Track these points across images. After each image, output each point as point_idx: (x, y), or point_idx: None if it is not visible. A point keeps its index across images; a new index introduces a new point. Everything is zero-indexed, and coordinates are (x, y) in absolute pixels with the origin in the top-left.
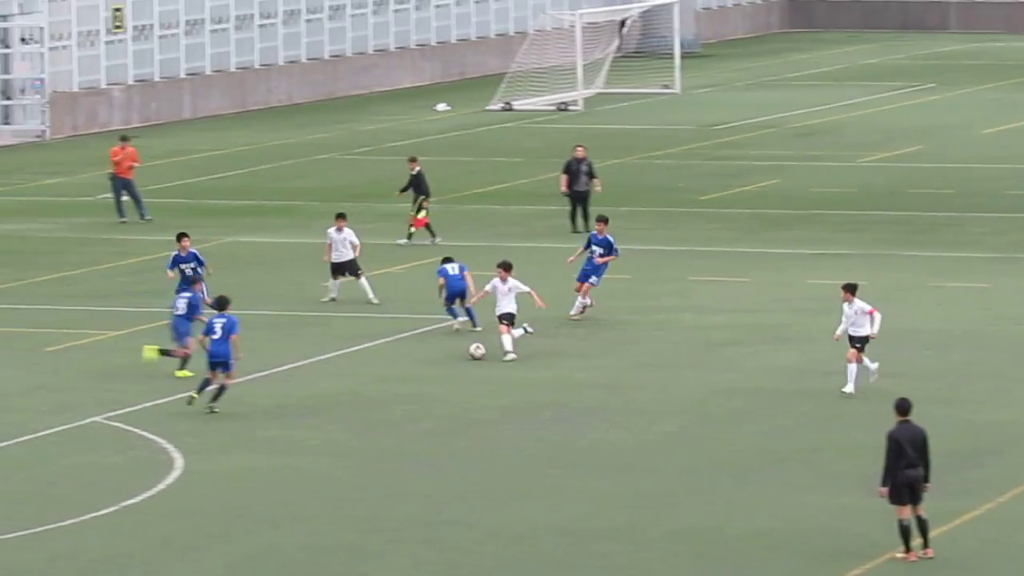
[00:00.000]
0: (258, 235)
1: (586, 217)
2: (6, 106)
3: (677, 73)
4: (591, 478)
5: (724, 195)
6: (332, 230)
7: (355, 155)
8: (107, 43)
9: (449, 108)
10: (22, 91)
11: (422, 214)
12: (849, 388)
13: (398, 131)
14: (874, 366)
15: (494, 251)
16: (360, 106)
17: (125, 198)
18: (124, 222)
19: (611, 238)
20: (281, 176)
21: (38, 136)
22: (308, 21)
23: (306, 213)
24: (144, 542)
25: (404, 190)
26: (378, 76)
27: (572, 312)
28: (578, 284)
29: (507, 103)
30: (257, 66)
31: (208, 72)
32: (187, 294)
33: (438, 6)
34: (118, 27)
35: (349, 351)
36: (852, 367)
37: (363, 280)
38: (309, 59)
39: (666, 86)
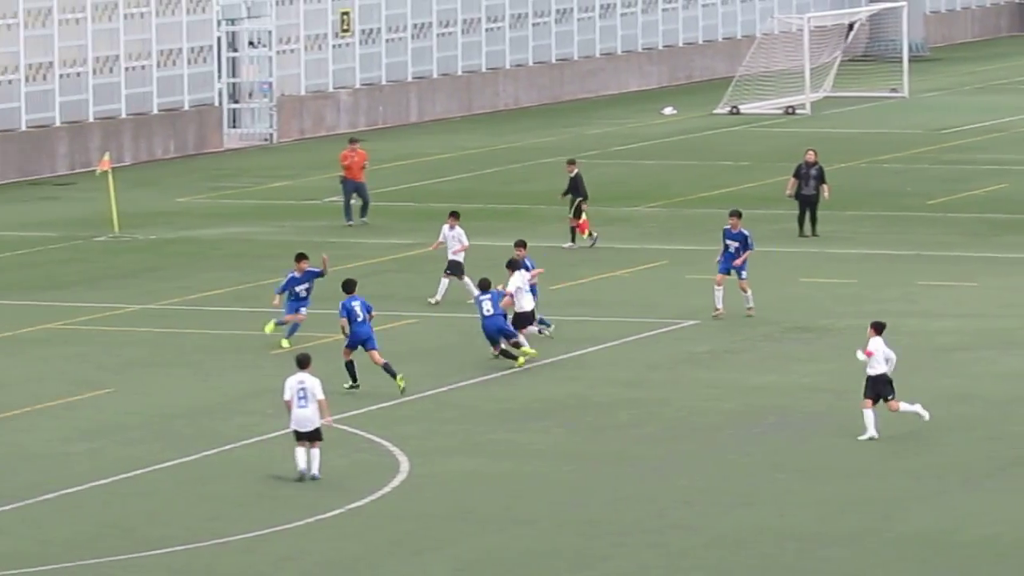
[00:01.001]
0: (484, 238)
1: (814, 222)
2: (234, 109)
3: (905, 77)
4: (817, 483)
5: (952, 199)
6: (445, 227)
7: (581, 159)
8: (334, 47)
9: (675, 112)
10: (250, 95)
11: (583, 216)
12: None
13: (624, 135)
14: None
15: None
16: (586, 110)
17: (354, 201)
18: (351, 225)
19: (746, 232)
20: (507, 179)
21: (265, 140)
22: (535, 25)
23: (532, 217)
24: (369, 545)
25: (565, 193)
26: (604, 80)
27: (747, 307)
28: (718, 277)
29: (734, 107)
30: (484, 70)
31: (435, 76)
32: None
33: (665, 10)
34: (345, 31)
35: (575, 355)
36: None
37: (444, 281)
38: (536, 63)
39: (894, 90)
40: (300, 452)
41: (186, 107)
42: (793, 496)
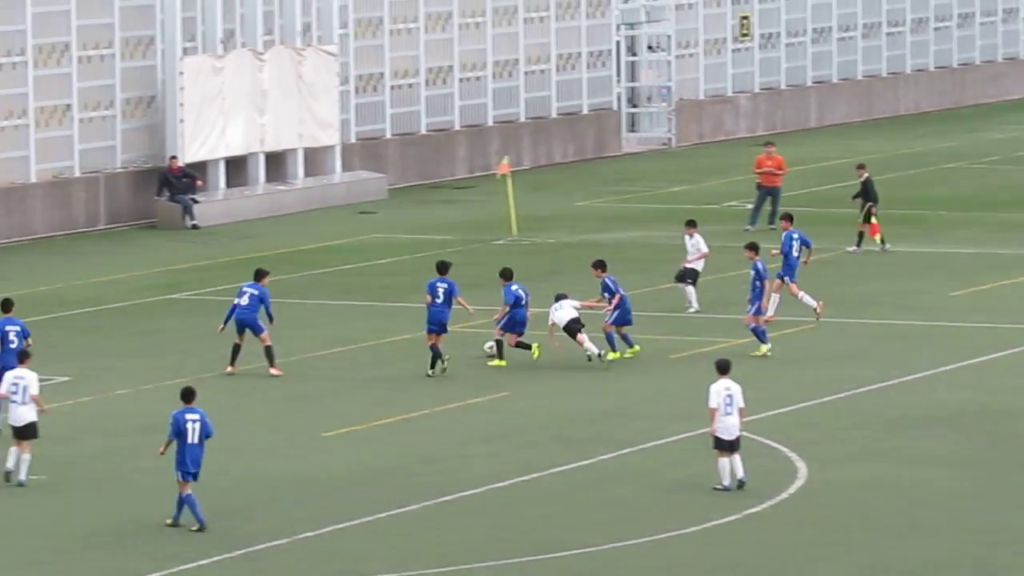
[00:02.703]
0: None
1: None
2: (633, 113)
3: None
4: None
5: None
6: (686, 236)
7: (984, 164)
8: (734, 51)
9: None
10: (649, 99)
11: (872, 220)
12: None
13: None
14: None
15: None
16: (988, 115)
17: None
18: (749, 230)
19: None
20: (908, 185)
21: (664, 144)
22: (936, 29)
23: (934, 223)
24: (767, 551)
25: (856, 197)
26: (1007, 85)
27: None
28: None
29: None
30: (884, 74)
31: (834, 80)
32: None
33: None
34: (745, 35)
35: (975, 361)
36: None
37: (690, 289)
38: (937, 67)
39: None
40: (724, 461)
41: (585, 111)
42: None
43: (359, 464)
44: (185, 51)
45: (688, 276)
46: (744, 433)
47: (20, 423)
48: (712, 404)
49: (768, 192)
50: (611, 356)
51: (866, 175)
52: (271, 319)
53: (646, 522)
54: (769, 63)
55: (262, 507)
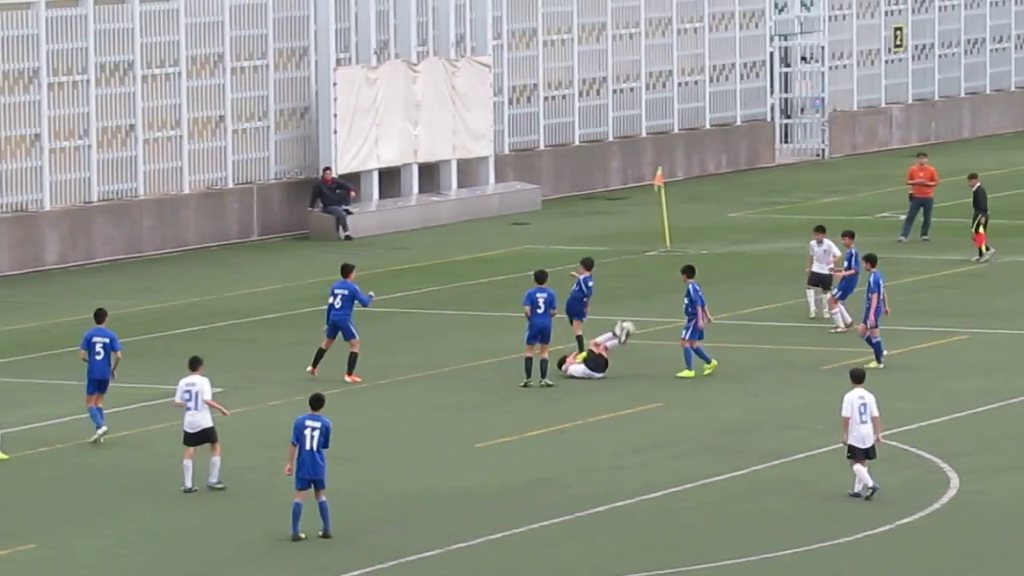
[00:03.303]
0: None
1: None
2: (787, 124)
3: None
4: None
5: None
6: (813, 242)
7: None
8: (887, 62)
9: None
10: (802, 110)
11: (981, 230)
12: None
13: None
14: None
15: None
16: None
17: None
18: (901, 241)
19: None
20: None
21: (817, 155)
22: None
23: None
24: (920, 562)
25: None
26: None
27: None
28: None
29: None
30: None
31: (988, 91)
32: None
33: None
34: (898, 46)
35: None
36: None
37: (810, 293)
38: None
39: None
40: (860, 468)
41: (738, 122)
42: None
43: (511, 475)
44: (339, 62)
45: (817, 281)
46: (896, 444)
47: (195, 429)
48: (845, 413)
49: (921, 203)
50: (684, 374)
51: (978, 184)
52: (364, 305)
53: (797, 533)
54: (922, 74)
55: (414, 519)
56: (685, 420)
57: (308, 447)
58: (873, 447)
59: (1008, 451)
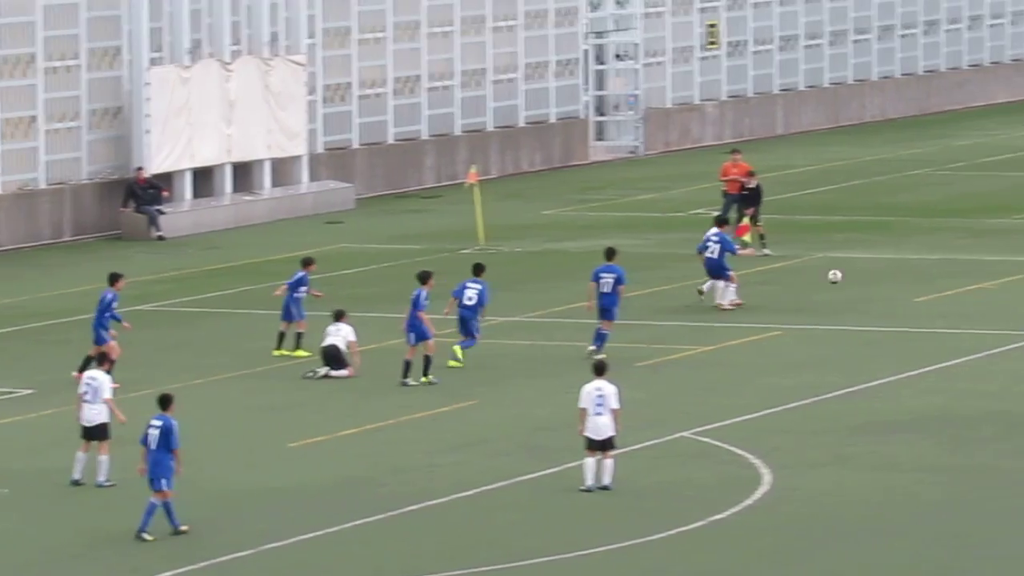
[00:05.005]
0: (851, 251)
1: None
2: (600, 122)
3: None
4: None
5: None
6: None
7: (949, 171)
8: (701, 59)
9: None
10: (616, 107)
11: (746, 220)
12: None
13: (992, 146)
14: None
15: None
16: (954, 121)
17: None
18: None
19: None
20: (874, 192)
21: (631, 152)
22: (902, 36)
23: (900, 229)
24: (732, 558)
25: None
26: (972, 91)
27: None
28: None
29: None
30: (851, 82)
31: (801, 88)
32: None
33: None
34: (712, 43)
35: (940, 367)
36: None
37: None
38: (903, 75)
39: None
40: (590, 462)
41: (552, 120)
42: None
43: (325, 475)
44: (152, 62)
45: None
46: (710, 440)
47: (90, 424)
48: (582, 404)
49: (734, 199)
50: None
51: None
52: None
53: (611, 529)
54: (736, 71)
55: (228, 519)
56: (500, 418)
57: (151, 446)
58: (611, 439)
59: (821, 447)
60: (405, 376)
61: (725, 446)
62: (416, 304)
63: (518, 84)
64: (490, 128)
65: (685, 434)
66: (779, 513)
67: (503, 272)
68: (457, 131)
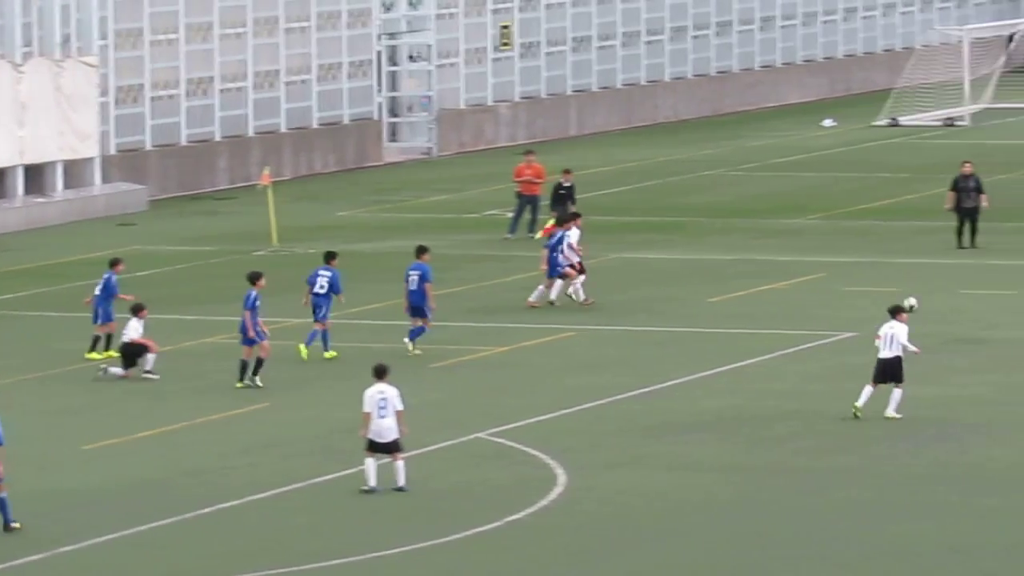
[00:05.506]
0: (645, 251)
1: (974, 233)
2: (393, 123)
3: None
4: (977, 495)
5: None
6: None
7: (741, 171)
8: (494, 60)
9: (835, 124)
10: (409, 108)
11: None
12: None
13: (785, 147)
14: None
15: (880, 268)
16: (746, 122)
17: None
18: (508, 239)
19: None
20: (668, 192)
21: (425, 153)
22: (695, 38)
23: (694, 229)
24: (527, 559)
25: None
26: (764, 92)
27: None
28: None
29: (894, 119)
30: (644, 83)
31: (594, 89)
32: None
33: (825, 22)
34: (506, 44)
35: (733, 367)
36: None
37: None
38: (695, 75)
39: None
40: (372, 464)
41: (346, 121)
42: (953, 508)
43: (119, 477)
44: None
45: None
46: (504, 441)
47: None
48: (365, 408)
49: (528, 201)
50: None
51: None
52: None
53: (408, 531)
54: (529, 72)
55: (21, 522)
56: (296, 420)
57: None
58: (396, 441)
59: (616, 447)
60: (242, 377)
61: (520, 447)
62: (247, 305)
63: (311, 85)
64: (283, 129)
65: (481, 435)
66: (575, 513)
67: (297, 275)
68: (250, 132)
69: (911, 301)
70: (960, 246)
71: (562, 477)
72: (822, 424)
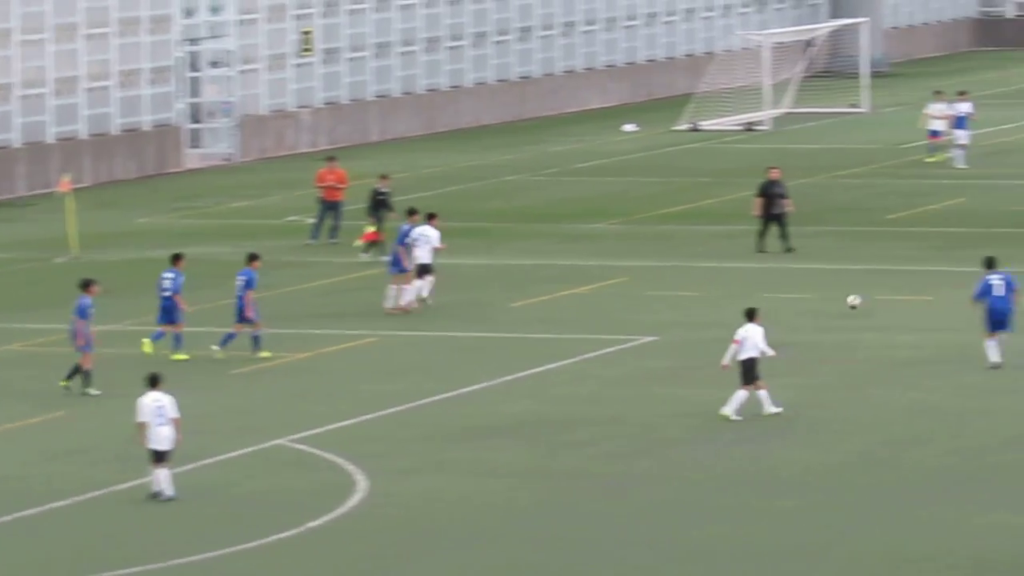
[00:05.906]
0: (447, 257)
1: (785, 236)
2: (195, 129)
3: (865, 92)
4: (775, 497)
5: (910, 214)
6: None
7: (544, 176)
8: (296, 66)
9: (637, 129)
10: (211, 114)
11: (373, 229)
12: None
13: (586, 152)
14: None
15: (682, 272)
16: (548, 127)
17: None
18: (311, 244)
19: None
20: (470, 198)
21: (226, 159)
22: (496, 43)
23: (496, 235)
24: (327, 565)
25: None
26: (566, 97)
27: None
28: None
29: (694, 123)
30: (445, 88)
31: (396, 95)
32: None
33: (626, 27)
34: (307, 50)
35: (534, 372)
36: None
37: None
38: (497, 81)
39: (854, 105)
40: (162, 473)
41: (146, 127)
42: (751, 511)
43: None
44: None
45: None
46: (304, 447)
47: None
48: (142, 418)
49: (330, 206)
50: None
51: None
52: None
53: (207, 537)
54: (331, 78)
55: None
56: (94, 428)
57: None
58: (170, 451)
59: (417, 452)
60: (70, 376)
61: (321, 453)
62: (80, 313)
63: (111, 91)
64: (83, 136)
65: (281, 442)
66: (375, 519)
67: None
68: (50, 139)
69: (855, 300)
70: (760, 249)
71: (363, 483)
72: (623, 428)
